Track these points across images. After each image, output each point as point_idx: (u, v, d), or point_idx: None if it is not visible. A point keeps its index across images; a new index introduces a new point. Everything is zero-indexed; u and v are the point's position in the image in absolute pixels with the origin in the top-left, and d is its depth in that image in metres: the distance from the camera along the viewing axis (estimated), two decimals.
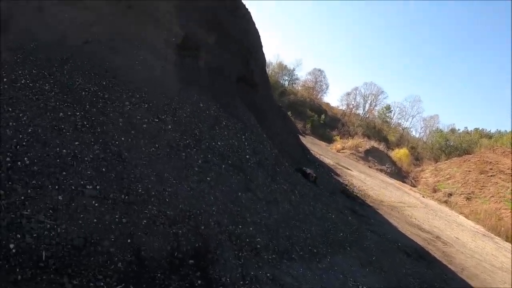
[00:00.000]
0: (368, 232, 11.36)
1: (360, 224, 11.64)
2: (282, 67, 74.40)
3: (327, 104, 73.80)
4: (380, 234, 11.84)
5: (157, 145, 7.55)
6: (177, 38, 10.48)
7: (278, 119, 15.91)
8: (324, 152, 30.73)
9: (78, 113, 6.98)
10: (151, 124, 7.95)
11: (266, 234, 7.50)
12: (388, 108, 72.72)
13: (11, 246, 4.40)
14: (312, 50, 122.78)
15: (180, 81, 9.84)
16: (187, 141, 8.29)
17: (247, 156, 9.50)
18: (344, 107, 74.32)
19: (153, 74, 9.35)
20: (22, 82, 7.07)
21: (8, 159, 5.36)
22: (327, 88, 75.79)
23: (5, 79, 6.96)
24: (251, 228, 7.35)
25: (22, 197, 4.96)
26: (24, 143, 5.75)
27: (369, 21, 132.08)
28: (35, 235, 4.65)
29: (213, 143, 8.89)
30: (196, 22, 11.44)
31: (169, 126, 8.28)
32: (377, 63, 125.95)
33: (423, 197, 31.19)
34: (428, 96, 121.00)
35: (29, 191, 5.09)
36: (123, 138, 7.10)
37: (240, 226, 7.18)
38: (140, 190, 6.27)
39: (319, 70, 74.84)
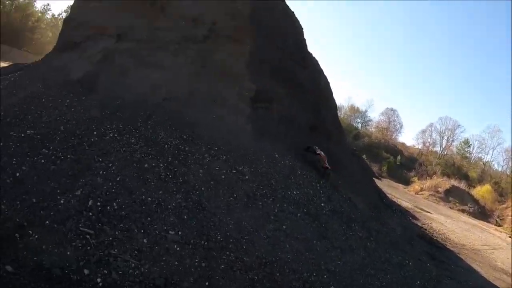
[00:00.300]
0: (448, 280, 10.47)
1: (439, 271, 10.79)
2: (354, 110, 73.82)
3: (403, 144, 71.13)
4: (460, 281, 10.89)
5: (235, 195, 7.82)
6: (249, 92, 11.11)
7: (352, 163, 15.73)
8: (401, 195, 29.36)
9: (161, 165, 7.59)
10: (229, 175, 8.30)
11: (340, 282, 7.25)
12: (466, 142, 67.32)
13: (98, 280, 4.77)
14: (382, 89, 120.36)
15: (255, 133, 10.29)
16: (264, 191, 8.50)
17: (322, 204, 9.48)
18: (420, 146, 70.35)
19: (229, 127, 9.91)
20: (110, 135, 7.93)
21: (98, 203, 5.95)
22: (401, 127, 72.40)
23: (95, 132, 7.88)
24: (325, 276, 7.16)
25: (110, 238, 5.40)
26: (113, 190, 6.34)
27: (436, 55, 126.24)
28: (120, 272, 4.99)
29: (289, 192, 9.02)
30: (267, 76, 12.11)
31: (246, 177, 8.57)
32: (450, 95, 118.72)
33: (510, 237, 28.33)
34: (508, 125, 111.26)
35: (117, 233, 5.54)
36: (203, 188, 7.48)
37: (315, 274, 7.03)
38: (219, 237, 6.49)
39: (392, 109, 72.52)
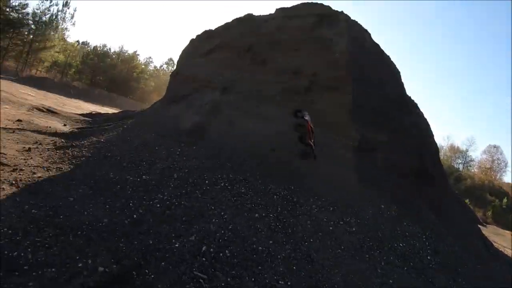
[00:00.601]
0: None
1: None
2: (454, 150, 69.82)
3: (508, 184, 63.34)
4: None
5: (342, 247, 7.74)
6: (354, 141, 11.21)
7: (456, 210, 14.79)
8: (509, 243, 26.49)
9: (271, 215, 7.83)
10: (336, 226, 8.27)
11: None
12: None
13: None
14: (482, 122, 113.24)
15: (360, 183, 10.26)
16: (370, 243, 8.31)
17: (428, 257, 9.01)
18: None
19: (335, 177, 9.98)
20: (222, 184, 8.41)
21: (211, 249, 6.22)
22: (505, 165, 65.57)
23: (207, 181, 8.40)
24: None
25: (223, 284, 5.56)
26: (225, 238, 6.61)
27: None
28: None
29: (395, 245, 8.73)
30: (369, 123, 12.16)
31: (353, 228, 8.47)
32: None
33: None
34: None
35: (228, 279, 5.69)
36: (311, 240, 7.52)
37: None
38: None
39: (495, 146, 67.02)
